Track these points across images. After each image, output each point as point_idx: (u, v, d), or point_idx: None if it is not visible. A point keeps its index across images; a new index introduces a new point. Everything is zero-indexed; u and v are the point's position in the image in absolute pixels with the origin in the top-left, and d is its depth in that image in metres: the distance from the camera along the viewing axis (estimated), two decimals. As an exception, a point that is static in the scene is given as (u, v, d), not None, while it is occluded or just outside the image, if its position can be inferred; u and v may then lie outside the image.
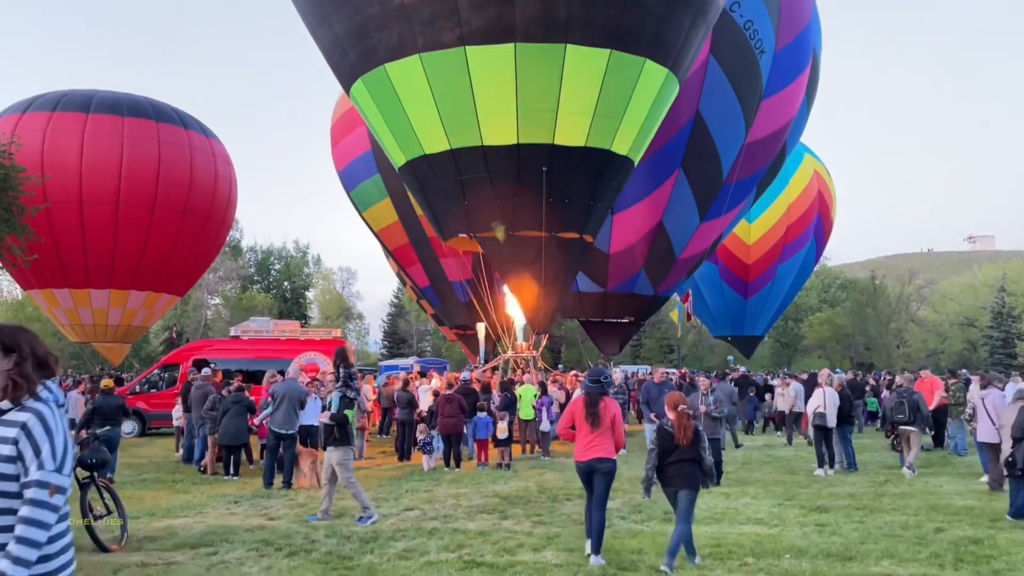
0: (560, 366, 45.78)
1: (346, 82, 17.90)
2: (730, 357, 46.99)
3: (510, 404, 15.79)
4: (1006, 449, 9.58)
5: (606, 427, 7.23)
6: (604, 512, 7.34)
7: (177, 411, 17.18)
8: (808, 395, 18.87)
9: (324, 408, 11.94)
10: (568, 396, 18.98)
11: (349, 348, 20.60)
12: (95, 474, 8.11)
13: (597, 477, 7.25)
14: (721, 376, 22.63)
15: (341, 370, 9.97)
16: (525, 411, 16.22)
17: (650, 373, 13.35)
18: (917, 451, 13.59)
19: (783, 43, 22.95)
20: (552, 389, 18.69)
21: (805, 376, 22.84)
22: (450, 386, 15.39)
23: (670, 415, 7.31)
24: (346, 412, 9.66)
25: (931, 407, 15.43)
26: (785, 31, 22.98)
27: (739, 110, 22.50)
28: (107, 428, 9.14)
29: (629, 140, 17.37)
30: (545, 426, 16.23)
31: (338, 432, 9.57)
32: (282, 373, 13.46)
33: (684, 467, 7.09)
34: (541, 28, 15.41)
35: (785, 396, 20.01)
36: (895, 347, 58.24)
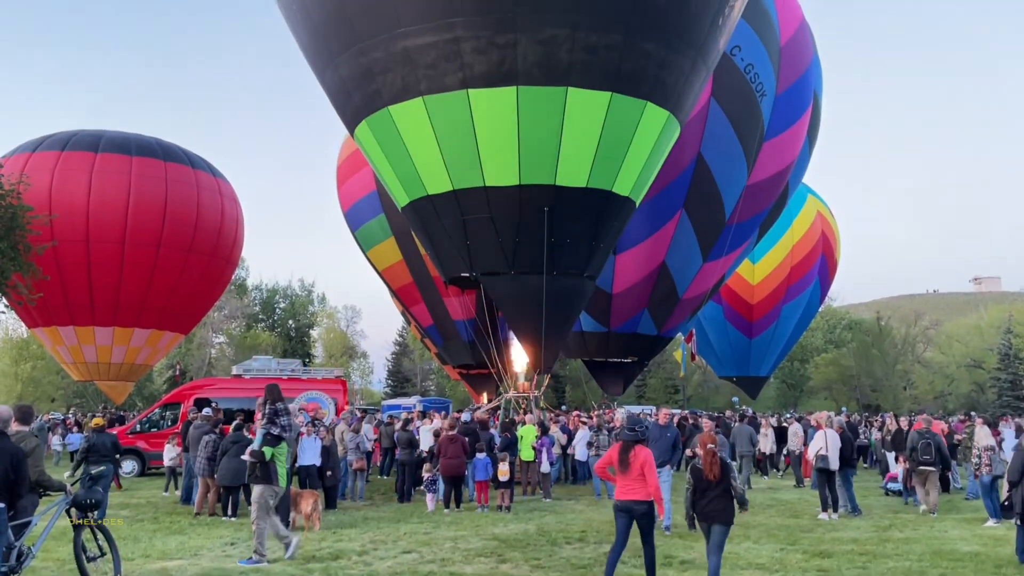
0: (564, 406, 45.52)
1: (351, 124, 18.13)
2: (735, 398, 46.70)
3: (510, 445, 15.66)
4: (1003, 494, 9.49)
5: (636, 472, 7.78)
6: (652, 548, 7.97)
7: (169, 451, 17.11)
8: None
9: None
10: (570, 438, 18.84)
11: (352, 389, 20.51)
12: (90, 515, 8.05)
13: (634, 518, 7.86)
14: (741, 417, 22.66)
15: (267, 407, 9.92)
16: (526, 452, 16.08)
17: (651, 414, 13.17)
18: (937, 493, 14.06)
19: (784, 86, 23.22)
20: (554, 429, 18.57)
21: (812, 419, 22.82)
22: (452, 427, 15.31)
23: (700, 452, 7.92)
24: (265, 449, 9.59)
25: None
26: (786, 74, 23.27)
27: (740, 152, 22.68)
28: (102, 468, 9.09)
29: (630, 181, 17.49)
30: (545, 467, 16.07)
31: (259, 469, 9.58)
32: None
33: (717, 503, 7.58)
34: (543, 72, 15.60)
35: (768, 437, 20.47)
36: (902, 389, 57.82)
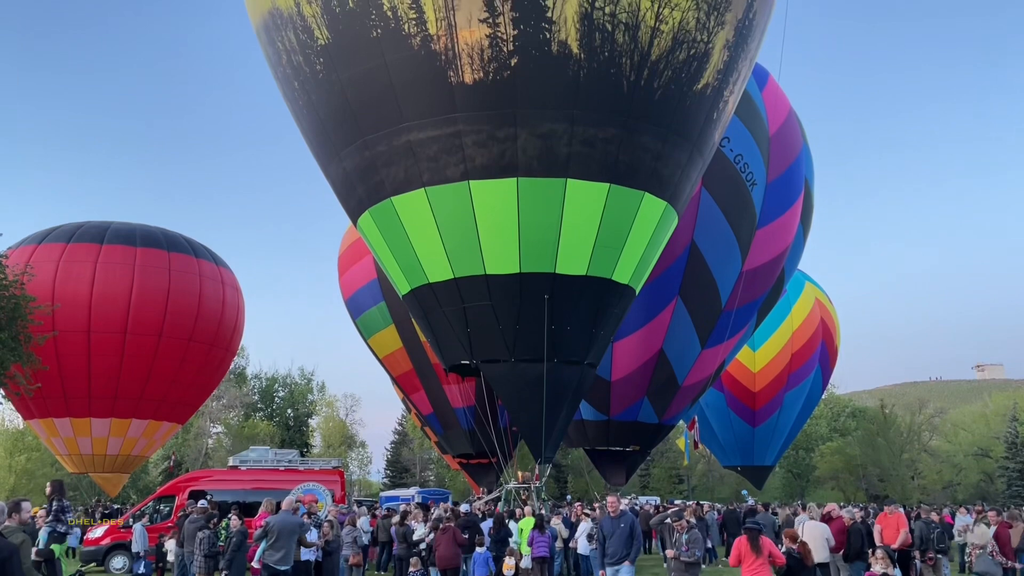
0: (568, 497, 44.55)
1: (354, 214, 18.44)
2: (744, 491, 45.68)
3: (502, 540, 15.05)
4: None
5: (764, 557, 9.52)
6: None
7: (169, 545, 16.65)
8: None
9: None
10: (573, 530, 18.29)
11: (350, 479, 20.13)
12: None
13: None
14: (763, 507, 22.08)
15: (53, 503, 9.73)
16: (525, 546, 15.57)
17: (642, 506, 12.67)
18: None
19: (774, 175, 23.73)
20: (555, 522, 18.10)
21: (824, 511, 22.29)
22: (449, 519, 14.95)
23: (792, 546, 9.95)
24: (54, 547, 9.36)
25: (895, 545, 15.20)
26: (776, 163, 23.80)
27: (734, 240, 22.98)
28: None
29: (630, 269, 17.66)
30: (525, 562, 15.05)
31: (45, 568, 9.34)
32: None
33: None
34: (542, 164, 15.96)
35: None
36: (909, 478, 56.71)
